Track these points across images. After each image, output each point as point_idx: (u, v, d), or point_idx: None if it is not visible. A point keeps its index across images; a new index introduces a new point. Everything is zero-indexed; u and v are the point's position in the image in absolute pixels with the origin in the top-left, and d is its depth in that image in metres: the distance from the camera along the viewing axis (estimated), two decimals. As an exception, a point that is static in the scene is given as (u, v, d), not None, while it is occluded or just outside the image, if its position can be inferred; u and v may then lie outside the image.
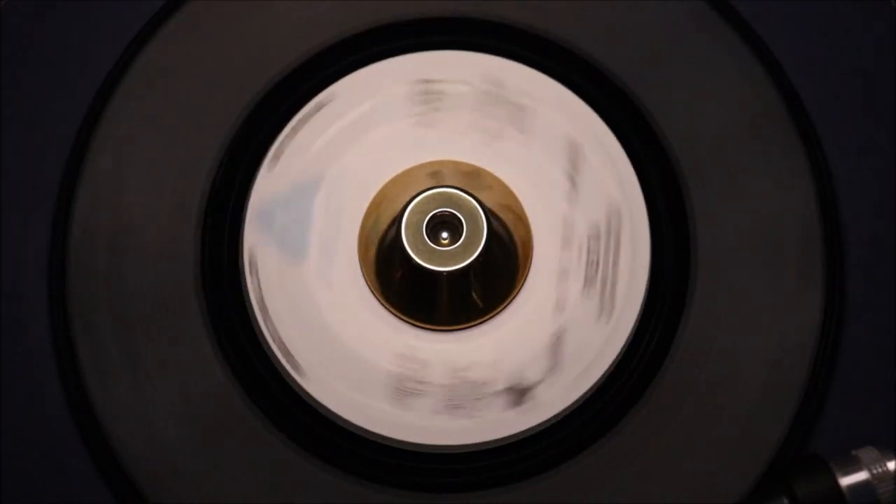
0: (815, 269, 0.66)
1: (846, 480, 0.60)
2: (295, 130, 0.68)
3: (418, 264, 0.65)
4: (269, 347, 0.66)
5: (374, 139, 0.68)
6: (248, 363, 0.66)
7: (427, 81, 0.69)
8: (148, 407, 0.65)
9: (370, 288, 0.67)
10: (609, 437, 0.65)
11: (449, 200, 0.65)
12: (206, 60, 0.68)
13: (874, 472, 0.60)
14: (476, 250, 0.65)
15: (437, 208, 0.65)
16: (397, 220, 0.65)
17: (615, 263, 0.67)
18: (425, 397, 0.66)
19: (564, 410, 0.65)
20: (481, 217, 0.65)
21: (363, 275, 0.67)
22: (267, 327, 0.66)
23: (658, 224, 0.67)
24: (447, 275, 0.65)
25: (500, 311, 0.67)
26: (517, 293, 0.67)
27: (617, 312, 0.66)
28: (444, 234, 0.66)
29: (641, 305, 0.66)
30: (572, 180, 0.68)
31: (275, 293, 0.67)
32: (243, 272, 0.67)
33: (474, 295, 0.67)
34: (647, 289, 0.67)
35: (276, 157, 0.68)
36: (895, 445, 0.61)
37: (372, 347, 0.66)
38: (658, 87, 0.68)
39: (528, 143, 0.68)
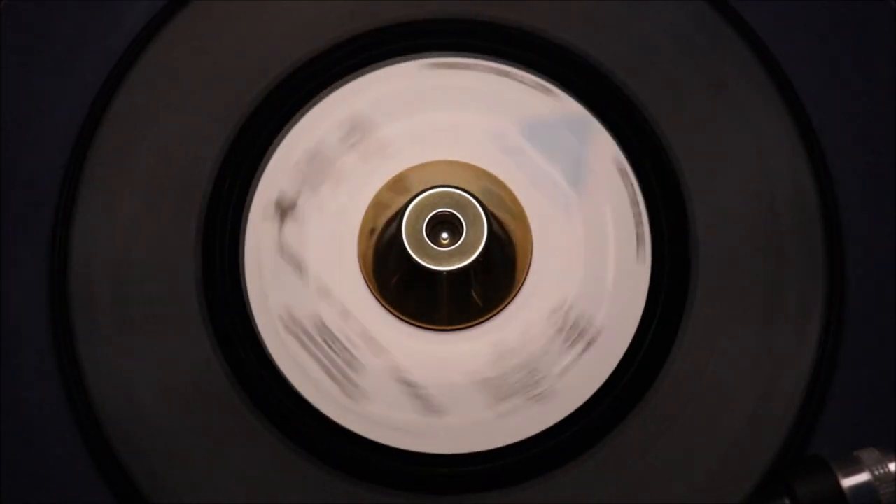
0: (815, 269, 0.66)
1: (847, 481, 0.60)
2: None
3: (418, 264, 0.65)
4: (267, 348, 0.66)
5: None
6: (248, 363, 0.66)
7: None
8: (147, 406, 0.65)
9: (369, 287, 0.67)
10: (610, 436, 0.65)
11: (449, 200, 0.65)
12: (207, 60, 0.68)
13: (875, 472, 0.60)
14: (476, 250, 0.65)
15: (437, 208, 0.65)
16: (397, 219, 0.65)
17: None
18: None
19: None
20: (482, 217, 0.65)
21: (363, 275, 0.67)
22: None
23: (658, 224, 0.67)
24: (447, 275, 0.65)
25: (500, 311, 0.67)
26: (516, 294, 0.67)
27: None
28: (444, 234, 0.66)
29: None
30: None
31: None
32: (243, 271, 0.67)
33: (474, 295, 0.67)
34: (647, 288, 0.67)
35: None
36: (896, 446, 0.61)
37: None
38: (658, 87, 0.68)
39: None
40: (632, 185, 0.68)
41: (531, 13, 0.69)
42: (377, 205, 0.68)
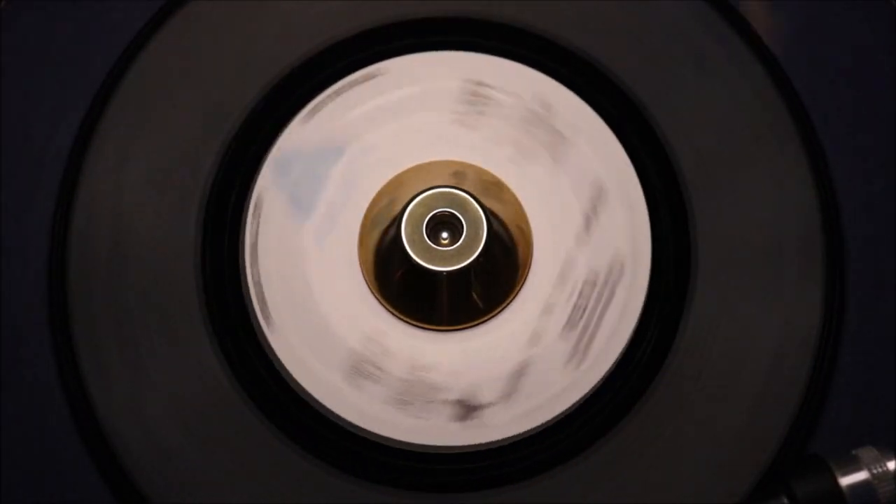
0: (815, 269, 0.66)
1: (846, 480, 0.60)
2: (337, 94, 0.69)
3: (418, 264, 0.65)
4: (270, 349, 0.66)
5: (410, 123, 0.68)
6: (248, 364, 0.66)
7: (479, 84, 0.69)
8: (147, 405, 0.65)
9: (369, 287, 0.67)
10: (610, 436, 0.65)
11: (449, 200, 0.65)
12: (207, 60, 0.69)
13: (874, 471, 0.60)
14: (476, 250, 0.65)
15: (437, 208, 0.65)
16: (397, 219, 0.65)
17: (601, 316, 0.67)
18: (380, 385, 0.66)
19: (518, 435, 0.66)
20: (482, 217, 0.65)
21: (362, 274, 0.67)
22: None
23: (655, 207, 0.67)
24: (447, 275, 0.65)
25: (500, 311, 0.67)
26: (515, 296, 0.67)
27: (588, 363, 0.66)
28: (444, 234, 0.66)
29: (622, 351, 0.66)
30: (588, 222, 0.68)
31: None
32: (244, 271, 0.67)
33: (474, 295, 0.67)
34: (647, 286, 0.67)
35: (312, 114, 0.68)
36: (895, 445, 0.61)
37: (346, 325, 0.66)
38: (657, 88, 0.68)
39: (558, 173, 0.68)
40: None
41: (531, 13, 0.69)
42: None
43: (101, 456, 0.65)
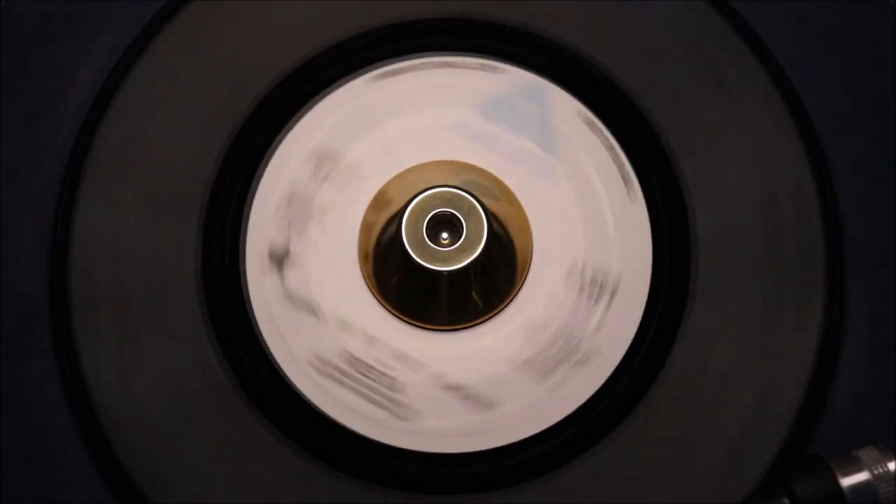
0: (815, 269, 0.66)
1: (847, 481, 0.60)
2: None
3: (418, 264, 0.65)
4: (267, 347, 0.66)
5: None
6: (246, 362, 0.66)
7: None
8: (147, 404, 0.65)
9: (369, 287, 0.67)
10: (610, 436, 0.65)
11: (449, 200, 0.65)
12: (207, 60, 0.68)
13: (875, 472, 0.60)
14: (476, 250, 0.65)
15: (437, 208, 0.65)
16: (397, 219, 0.65)
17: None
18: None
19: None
20: (481, 217, 0.65)
21: (362, 274, 0.67)
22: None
23: (656, 217, 0.67)
24: (447, 275, 0.65)
25: (500, 311, 0.67)
26: (515, 295, 0.67)
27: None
28: (444, 234, 0.66)
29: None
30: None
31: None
32: (244, 271, 0.67)
33: (474, 295, 0.67)
34: (648, 286, 0.67)
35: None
36: (895, 446, 0.61)
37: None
38: (658, 88, 0.68)
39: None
40: (601, 132, 0.68)
41: (531, 13, 0.69)
42: (366, 228, 0.68)
43: (101, 454, 0.65)
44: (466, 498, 0.65)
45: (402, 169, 0.68)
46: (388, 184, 0.68)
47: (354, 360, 0.66)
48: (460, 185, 0.66)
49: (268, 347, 0.66)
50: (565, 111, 0.68)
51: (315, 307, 0.67)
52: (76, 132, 0.68)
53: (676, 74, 0.68)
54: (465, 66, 0.69)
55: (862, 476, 0.60)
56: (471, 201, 0.65)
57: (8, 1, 0.69)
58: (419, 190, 0.65)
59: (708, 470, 0.64)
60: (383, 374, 0.66)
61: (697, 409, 0.65)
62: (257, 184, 0.68)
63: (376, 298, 0.67)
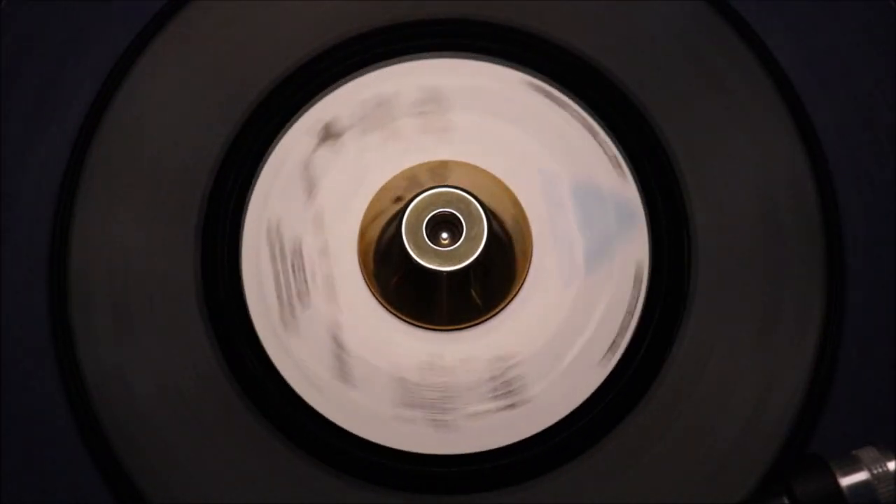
0: (815, 269, 0.66)
1: (846, 480, 0.60)
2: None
3: (418, 264, 0.65)
4: (267, 348, 0.66)
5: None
6: (246, 362, 0.66)
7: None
8: (146, 404, 0.65)
9: (369, 287, 0.67)
10: (611, 437, 0.65)
11: (449, 200, 0.65)
12: (207, 60, 0.69)
13: (874, 472, 0.60)
14: (476, 250, 0.65)
15: (437, 208, 0.65)
16: (397, 219, 0.65)
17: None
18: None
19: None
20: (481, 217, 0.65)
21: (362, 274, 0.67)
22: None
23: (655, 217, 0.67)
24: (447, 275, 0.65)
25: (500, 311, 0.67)
26: (515, 296, 0.67)
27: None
28: (444, 235, 0.66)
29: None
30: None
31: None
32: (243, 270, 0.67)
33: (474, 295, 0.67)
34: (647, 285, 0.67)
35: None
36: (895, 445, 0.61)
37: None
38: (658, 88, 0.68)
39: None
40: (639, 294, 0.67)
41: (531, 13, 0.69)
42: (409, 177, 0.68)
43: (101, 454, 0.65)
44: (467, 498, 0.65)
45: (475, 160, 0.68)
46: (456, 163, 0.68)
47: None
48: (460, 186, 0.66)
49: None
50: (630, 251, 0.67)
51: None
52: (76, 132, 0.68)
53: (676, 75, 0.68)
54: (602, 143, 0.68)
55: (861, 476, 0.60)
56: (471, 201, 0.65)
57: (8, 1, 0.69)
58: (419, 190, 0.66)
59: (708, 470, 0.64)
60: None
61: (697, 410, 0.65)
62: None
63: (376, 298, 0.67)
